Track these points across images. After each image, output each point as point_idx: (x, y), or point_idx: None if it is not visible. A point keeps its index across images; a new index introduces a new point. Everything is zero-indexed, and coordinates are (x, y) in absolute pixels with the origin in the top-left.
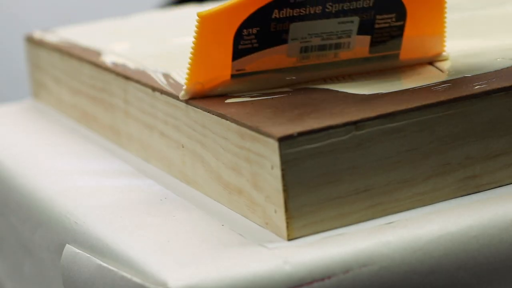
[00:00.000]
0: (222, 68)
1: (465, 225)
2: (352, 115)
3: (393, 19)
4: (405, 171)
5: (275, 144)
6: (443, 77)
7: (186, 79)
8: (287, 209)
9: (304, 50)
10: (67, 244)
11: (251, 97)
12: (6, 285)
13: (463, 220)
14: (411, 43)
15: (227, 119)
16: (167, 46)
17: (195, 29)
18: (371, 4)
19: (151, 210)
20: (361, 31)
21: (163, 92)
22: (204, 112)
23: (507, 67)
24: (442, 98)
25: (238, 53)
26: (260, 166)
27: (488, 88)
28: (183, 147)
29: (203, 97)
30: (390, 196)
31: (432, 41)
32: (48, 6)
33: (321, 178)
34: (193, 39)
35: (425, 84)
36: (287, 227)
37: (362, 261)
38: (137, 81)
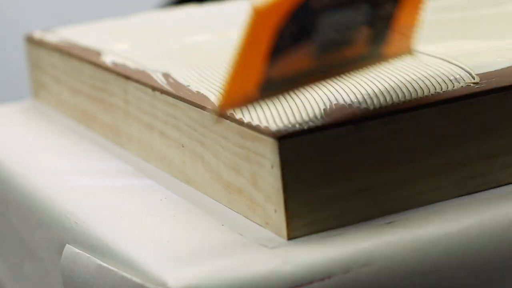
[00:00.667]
0: (253, 78)
1: (465, 225)
2: (352, 115)
3: (390, 8)
4: (405, 171)
5: (275, 144)
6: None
7: (225, 90)
8: (287, 209)
9: (323, 48)
10: (67, 244)
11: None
12: (6, 285)
13: (463, 220)
14: (395, 37)
15: (227, 119)
16: (167, 46)
17: (247, 29)
18: None
19: (151, 210)
20: (364, 21)
21: (163, 92)
22: (204, 112)
23: (507, 67)
24: (442, 98)
25: (274, 54)
26: (260, 166)
27: (488, 88)
28: (183, 147)
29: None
30: (390, 196)
31: (409, 36)
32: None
33: (321, 178)
34: (242, 42)
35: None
36: (287, 226)
37: (362, 261)
38: (137, 81)
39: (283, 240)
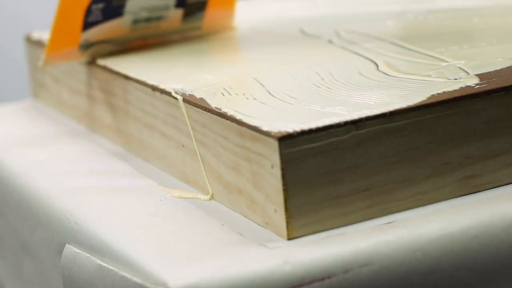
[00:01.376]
0: (74, 40)
1: (465, 225)
2: (352, 115)
3: None
4: (405, 171)
5: (275, 144)
6: None
7: (47, 48)
8: (287, 209)
9: (135, 22)
10: (67, 244)
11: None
12: (6, 285)
13: (463, 220)
14: (211, 16)
15: (227, 119)
16: (166, 46)
17: (57, 5)
18: None
19: (151, 210)
20: (177, 5)
21: (163, 92)
22: (204, 112)
23: (507, 67)
24: (442, 98)
25: (86, 26)
26: (260, 166)
27: (488, 88)
28: (183, 147)
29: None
30: (390, 196)
31: (226, 15)
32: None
33: (321, 178)
34: (54, 17)
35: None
36: (287, 226)
37: (362, 261)
38: (137, 81)
39: (283, 240)
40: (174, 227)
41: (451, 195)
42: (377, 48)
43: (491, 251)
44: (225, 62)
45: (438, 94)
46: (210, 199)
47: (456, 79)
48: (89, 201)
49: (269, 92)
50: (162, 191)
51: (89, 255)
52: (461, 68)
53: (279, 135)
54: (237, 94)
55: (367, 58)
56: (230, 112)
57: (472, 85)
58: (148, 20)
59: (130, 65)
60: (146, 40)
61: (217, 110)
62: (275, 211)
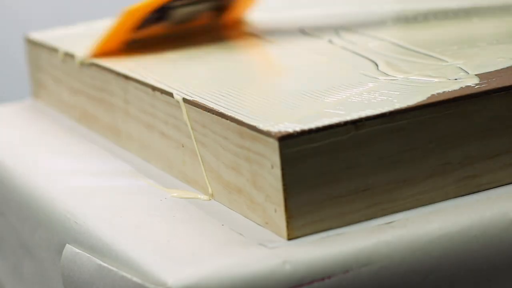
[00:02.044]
0: (122, 42)
1: (465, 225)
2: (352, 115)
3: None
4: (405, 171)
5: (275, 144)
6: None
7: (96, 49)
8: (287, 209)
9: (176, 23)
10: (67, 244)
11: None
12: (6, 285)
13: (463, 220)
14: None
15: (227, 119)
16: (166, 45)
17: (118, 17)
18: None
19: (151, 210)
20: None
21: (163, 92)
22: (204, 112)
23: (507, 67)
24: (442, 98)
25: (137, 29)
26: (260, 166)
27: (488, 88)
28: (183, 147)
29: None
30: (390, 196)
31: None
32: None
33: (321, 178)
34: (114, 23)
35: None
36: (287, 226)
37: (362, 261)
38: (137, 81)
39: (283, 240)
40: (174, 227)
41: (451, 195)
42: (377, 48)
43: (491, 251)
44: (225, 62)
45: (438, 94)
46: (210, 199)
47: (456, 79)
48: (89, 201)
49: (269, 92)
50: (162, 191)
51: (89, 255)
52: (461, 68)
53: (279, 135)
54: (237, 94)
55: (367, 58)
56: (230, 112)
57: (472, 85)
58: (184, 20)
59: (130, 65)
60: (182, 34)
61: (217, 110)
62: (275, 211)
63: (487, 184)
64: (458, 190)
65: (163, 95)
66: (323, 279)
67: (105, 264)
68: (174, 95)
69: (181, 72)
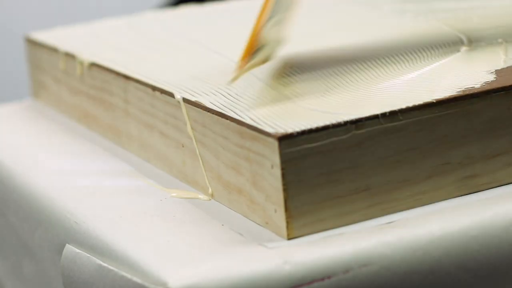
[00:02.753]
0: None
1: (465, 225)
2: (352, 115)
3: None
4: (405, 171)
5: (275, 144)
6: None
7: (242, 60)
8: (287, 209)
9: None
10: (67, 244)
11: None
12: (6, 285)
13: (463, 220)
14: None
15: (227, 119)
16: (166, 46)
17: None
18: None
19: (151, 210)
20: None
21: (163, 92)
22: (204, 111)
23: (507, 67)
24: (442, 97)
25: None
26: (260, 166)
27: (488, 88)
28: (183, 147)
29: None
30: (390, 196)
31: None
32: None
33: (321, 178)
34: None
35: None
36: (287, 226)
37: (362, 261)
38: (137, 81)
39: (283, 240)
40: (174, 227)
41: (451, 195)
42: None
43: (491, 251)
44: (225, 62)
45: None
46: (210, 199)
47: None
48: (89, 201)
49: (269, 92)
50: (162, 191)
51: (89, 255)
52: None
53: (279, 135)
54: (237, 94)
55: (368, 58)
56: (230, 112)
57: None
58: None
59: (130, 65)
60: None
61: (217, 110)
62: (275, 211)
63: (487, 184)
64: (458, 190)
65: (163, 95)
66: (323, 279)
67: (105, 264)
68: (174, 94)
69: None
